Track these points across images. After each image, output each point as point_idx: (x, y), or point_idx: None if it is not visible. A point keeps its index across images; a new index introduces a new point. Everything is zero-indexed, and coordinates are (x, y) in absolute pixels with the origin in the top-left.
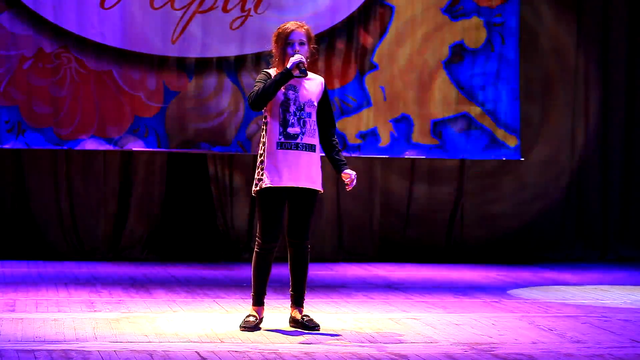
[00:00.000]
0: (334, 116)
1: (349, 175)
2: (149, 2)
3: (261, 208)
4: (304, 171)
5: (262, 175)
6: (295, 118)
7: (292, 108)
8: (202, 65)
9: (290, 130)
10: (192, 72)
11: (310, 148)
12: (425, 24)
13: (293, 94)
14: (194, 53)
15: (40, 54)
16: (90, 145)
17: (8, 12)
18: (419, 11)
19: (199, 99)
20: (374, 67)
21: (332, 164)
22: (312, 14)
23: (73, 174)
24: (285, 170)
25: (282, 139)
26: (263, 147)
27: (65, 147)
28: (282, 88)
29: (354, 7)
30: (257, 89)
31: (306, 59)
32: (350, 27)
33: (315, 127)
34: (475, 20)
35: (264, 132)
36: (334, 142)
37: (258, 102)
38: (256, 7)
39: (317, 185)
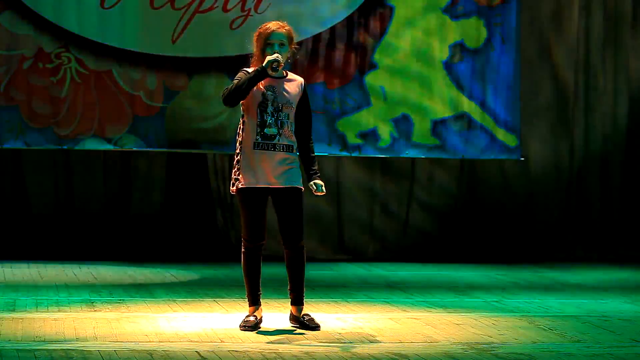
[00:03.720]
0: (311, 118)
1: (315, 188)
2: (149, 2)
3: (242, 208)
4: (280, 171)
5: (238, 175)
6: (273, 119)
7: (270, 109)
8: (202, 65)
9: (268, 130)
10: (192, 72)
11: (288, 149)
12: (425, 24)
13: (271, 95)
14: (194, 53)
15: (40, 54)
16: (90, 145)
17: (8, 12)
18: (419, 11)
19: (199, 99)
20: (374, 67)
21: (304, 169)
22: (312, 13)
23: (73, 174)
24: (261, 171)
25: (260, 139)
26: (240, 147)
27: (65, 147)
28: (261, 88)
29: (354, 7)
30: (232, 85)
31: (287, 59)
32: (350, 27)
33: (293, 128)
34: (475, 20)
35: (240, 132)
36: (311, 145)
37: (230, 98)
38: (256, 7)
39: (295, 183)
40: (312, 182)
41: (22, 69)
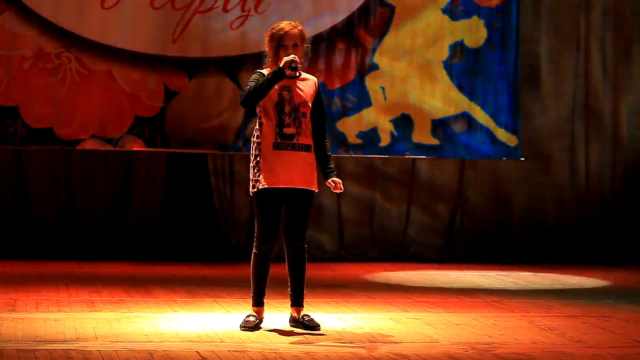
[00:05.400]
0: (325, 116)
1: (334, 185)
2: (149, 2)
3: (259, 209)
4: (299, 171)
5: (258, 176)
6: (291, 118)
7: (287, 109)
8: (202, 65)
9: (286, 130)
10: (192, 72)
11: (306, 148)
12: (425, 23)
13: (288, 95)
14: (194, 53)
15: (40, 54)
16: (90, 145)
17: (8, 12)
18: (419, 11)
19: (199, 99)
20: (374, 67)
21: (320, 168)
22: (312, 13)
23: (73, 174)
24: (281, 171)
25: (279, 139)
26: (258, 148)
27: (65, 147)
28: (276, 89)
29: (354, 7)
30: (249, 87)
31: (299, 59)
32: (350, 27)
33: (310, 127)
34: (475, 20)
35: (258, 133)
36: (326, 144)
37: (249, 99)
38: (256, 7)
39: (313, 186)
40: (330, 180)
41: (22, 69)
